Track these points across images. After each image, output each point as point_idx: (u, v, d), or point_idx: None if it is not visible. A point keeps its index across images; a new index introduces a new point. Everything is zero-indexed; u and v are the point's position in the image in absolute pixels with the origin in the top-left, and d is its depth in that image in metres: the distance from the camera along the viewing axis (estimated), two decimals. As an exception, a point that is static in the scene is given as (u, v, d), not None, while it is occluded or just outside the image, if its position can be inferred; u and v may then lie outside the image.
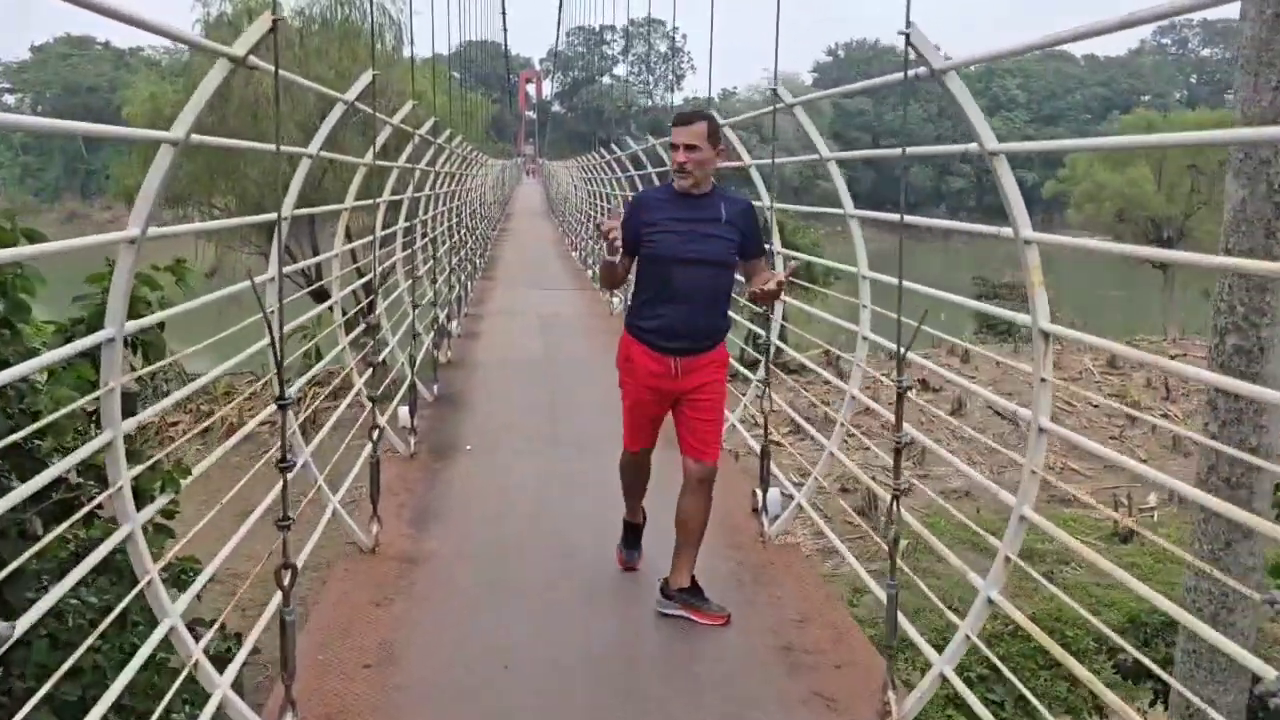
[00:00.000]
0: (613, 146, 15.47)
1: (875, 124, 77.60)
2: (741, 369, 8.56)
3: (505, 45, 72.13)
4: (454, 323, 10.45)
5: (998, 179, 2.87)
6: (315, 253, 17.00)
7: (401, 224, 7.90)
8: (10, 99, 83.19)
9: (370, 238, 7.57)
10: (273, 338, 2.70)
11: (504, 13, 64.76)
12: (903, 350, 2.94)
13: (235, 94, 20.78)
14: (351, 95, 4.17)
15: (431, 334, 8.16)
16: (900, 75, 2.91)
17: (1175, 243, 36.44)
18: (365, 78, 4.17)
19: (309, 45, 22.92)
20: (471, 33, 47.65)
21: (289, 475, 2.88)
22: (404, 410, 6.28)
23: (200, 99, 2.57)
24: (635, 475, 4.14)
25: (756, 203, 4.43)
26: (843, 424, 4.62)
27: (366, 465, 4.54)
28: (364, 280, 7.35)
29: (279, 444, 2.88)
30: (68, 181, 75.58)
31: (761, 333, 8.00)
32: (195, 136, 2.66)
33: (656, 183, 11.22)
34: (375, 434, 4.40)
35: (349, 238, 9.19)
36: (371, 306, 5.59)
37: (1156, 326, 27.87)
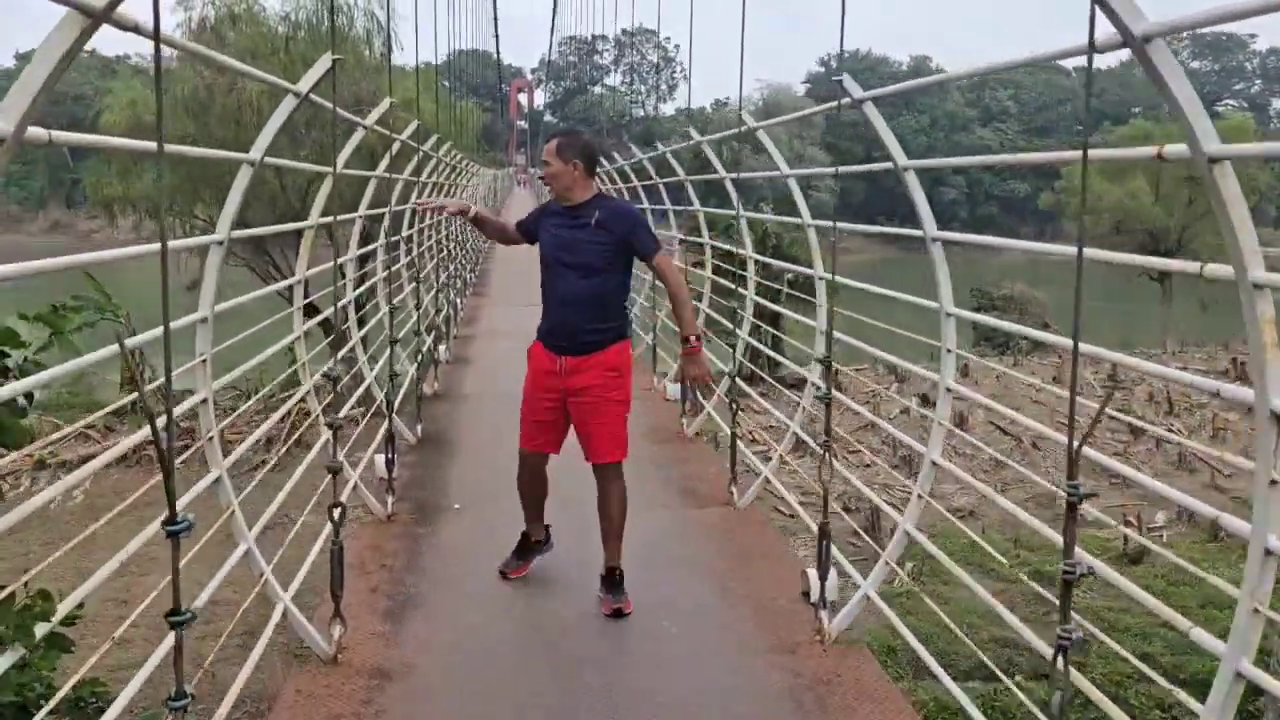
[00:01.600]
0: (602, 160, 14.77)
1: (867, 134, 76.79)
2: (747, 388, 7.69)
3: (497, 54, 71.34)
4: (442, 347, 9.53)
5: (1217, 193, 1.98)
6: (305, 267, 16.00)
7: (382, 240, 6.99)
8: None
9: (357, 253, 6.70)
10: (155, 436, 1.77)
11: (496, 19, 63.96)
12: (1076, 445, 2.05)
13: (217, 101, 19.91)
14: (305, 85, 3.27)
15: (416, 363, 7.25)
16: (1083, 45, 2.01)
17: (1174, 255, 36.05)
18: (323, 63, 3.27)
19: (295, 51, 21.99)
20: (463, 41, 46.74)
21: (182, 630, 1.94)
22: (380, 459, 5.36)
23: (34, 79, 1.67)
24: (530, 484, 4.24)
25: (796, 219, 3.58)
26: (920, 496, 3.72)
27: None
28: (352, 297, 6.46)
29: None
30: (53, 190, 74.45)
31: (765, 350, 7.10)
32: (36, 131, 1.76)
33: (665, 195, 11.03)
34: (337, 513, 3.48)
35: (336, 252, 8.26)
36: (341, 342, 4.68)
37: (1154, 339, 27.32)
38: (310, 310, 6.31)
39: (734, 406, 5.46)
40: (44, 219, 72.61)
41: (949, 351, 3.69)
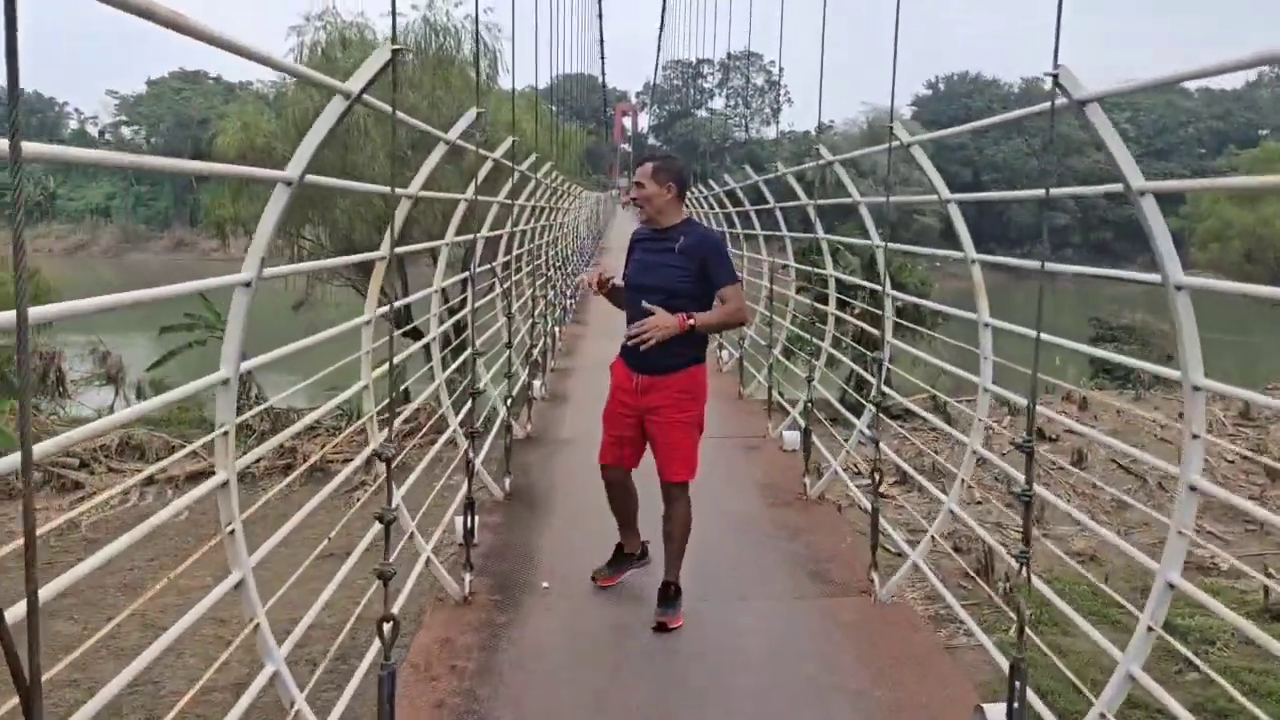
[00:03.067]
0: (710, 183, 14.18)
1: (976, 158, 74.35)
2: (892, 455, 6.70)
3: (602, 77, 71.53)
4: (537, 382, 8.83)
5: None
6: (405, 291, 15.56)
7: (474, 269, 6.28)
8: (127, 131, 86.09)
9: (443, 283, 6.04)
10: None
11: (602, 43, 64.13)
12: None
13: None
14: (357, 84, 2.55)
15: (507, 405, 6.54)
16: None
17: (1310, 284, 33.62)
18: (379, 56, 2.55)
19: (402, 74, 21.84)
20: (569, 65, 46.71)
21: None
22: (459, 523, 4.63)
23: None
24: (617, 499, 4.37)
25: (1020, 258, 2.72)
26: (1151, 629, 2.78)
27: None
28: (437, 333, 5.80)
29: None
30: (177, 211, 77.76)
31: (890, 390, 6.08)
32: None
33: (755, 219, 11.17)
34: (387, 629, 2.72)
35: (394, 296, 7.62)
36: (405, 401, 3.95)
37: (1281, 373, 25.18)
38: (420, 334, 5.66)
39: (875, 476, 4.54)
40: (169, 238, 75.67)
41: (1194, 438, 2.74)
